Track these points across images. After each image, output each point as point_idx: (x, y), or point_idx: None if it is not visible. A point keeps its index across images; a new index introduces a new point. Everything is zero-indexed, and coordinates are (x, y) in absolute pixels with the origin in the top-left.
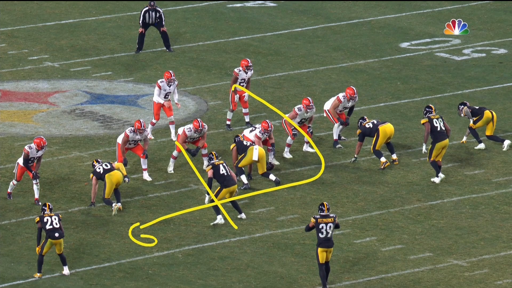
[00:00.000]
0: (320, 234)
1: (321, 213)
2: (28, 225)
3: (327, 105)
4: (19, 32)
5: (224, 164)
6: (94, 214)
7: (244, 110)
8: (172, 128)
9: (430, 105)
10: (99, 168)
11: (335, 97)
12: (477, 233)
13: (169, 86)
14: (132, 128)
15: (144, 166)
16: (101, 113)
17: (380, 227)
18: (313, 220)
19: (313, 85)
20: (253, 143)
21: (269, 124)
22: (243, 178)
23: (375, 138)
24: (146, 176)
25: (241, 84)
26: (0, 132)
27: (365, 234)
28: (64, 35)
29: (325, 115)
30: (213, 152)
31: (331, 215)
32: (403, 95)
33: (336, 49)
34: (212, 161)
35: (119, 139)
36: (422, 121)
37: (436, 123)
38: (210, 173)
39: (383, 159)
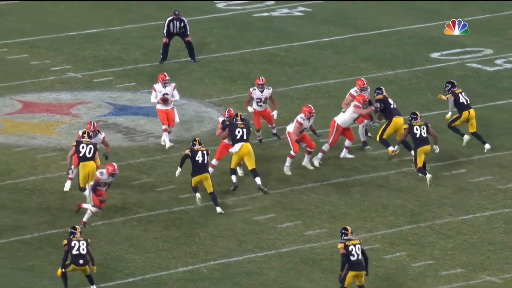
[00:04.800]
0: (351, 257)
1: (344, 237)
2: (50, 239)
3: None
4: (41, 42)
5: (204, 152)
6: (118, 228)
7: (270, 126)
8: (165, 136)
9: (416, 112)
10: (83, 148)
11: (348, 95)
12: (511, 248)
13: (164, 88)
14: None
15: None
16: (124, 125)
17: (410, 242)
18: (341, 245)
19: (341, 96)
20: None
21: (311, 108)
22: (233, 178)
23: (384, 126)
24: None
25: (258, 103)
26: (22, 144)
27: (395, 249)
28: (87, 45)
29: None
30: (197, 139)
31: (355, 238)
32: (433, 106)
33: (365, 59)
34: (194, 146)
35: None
36: (403, 126)
37: (417, 129)
38: (187, 151)
39: (390, 148)
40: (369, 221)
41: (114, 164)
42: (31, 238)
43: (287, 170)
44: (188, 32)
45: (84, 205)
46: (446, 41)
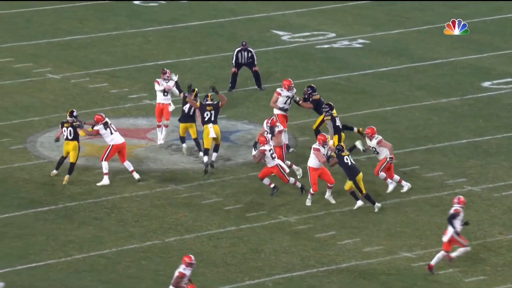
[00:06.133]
0: None
1: None
2: (128, 254)
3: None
4: (120, 72)
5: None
6: (190, 243)
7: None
8: (159, 132)
9: (341, 144)
10: (64, 132)
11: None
12: None
13: (166, 82)
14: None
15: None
16: (195, 148)
17: (463, 258)
18: None
19: (398, 122)
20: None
21: (326, 136)
22: (205, 158)
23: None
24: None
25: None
26: (102, 166)
27: (449, 265)
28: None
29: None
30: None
31: None
32: (484, 132)
33: (420, 88)
34: (185, 94)
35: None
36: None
37: (347, 159)
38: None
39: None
40: (424, 239)
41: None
42: (110, 252)
43: (308, 202)
44: (256, 62)
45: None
46: (496, 71)
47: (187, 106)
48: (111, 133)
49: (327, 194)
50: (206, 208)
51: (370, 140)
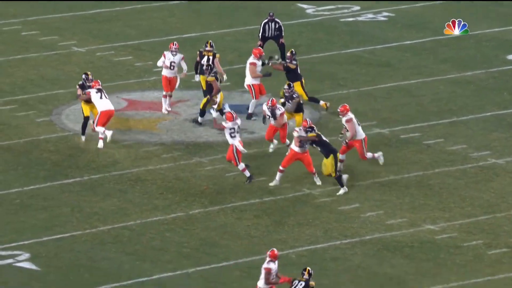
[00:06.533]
0: None
1: None
2: (152, 226)
3: (248, 80)
4: (145, 45)
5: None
6: (213, 216)
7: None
8: (163, 102)
9: (311, 126)
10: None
11: (248, 66)
12: None
13: (173, 56)
14: None
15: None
16: (219, 121)
17: (487, 231)
18: None
19: (422, 95)
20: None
21: (308, 122)
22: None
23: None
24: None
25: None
26: (127, 139)
27: (472, 237)
28: (186, 48)
29: (247, 89)
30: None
31: None
32: (509, 105)
33: (444, 61)
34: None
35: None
36: (311, 134)
37: (325, 138)
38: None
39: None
40: (447, 211)
41: None
42: (134, 224)
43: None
44: (283, 33)
45: None
46: None
47: (204, 60)
48: (101, 98)
49: (314, 178)
50: (230, 181)
51: (342, 117)
